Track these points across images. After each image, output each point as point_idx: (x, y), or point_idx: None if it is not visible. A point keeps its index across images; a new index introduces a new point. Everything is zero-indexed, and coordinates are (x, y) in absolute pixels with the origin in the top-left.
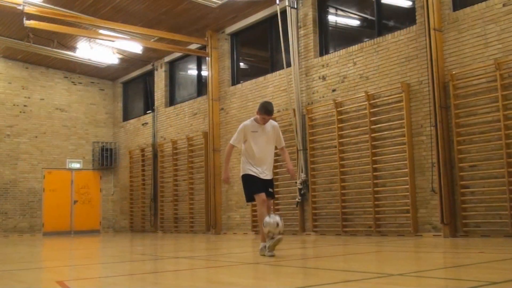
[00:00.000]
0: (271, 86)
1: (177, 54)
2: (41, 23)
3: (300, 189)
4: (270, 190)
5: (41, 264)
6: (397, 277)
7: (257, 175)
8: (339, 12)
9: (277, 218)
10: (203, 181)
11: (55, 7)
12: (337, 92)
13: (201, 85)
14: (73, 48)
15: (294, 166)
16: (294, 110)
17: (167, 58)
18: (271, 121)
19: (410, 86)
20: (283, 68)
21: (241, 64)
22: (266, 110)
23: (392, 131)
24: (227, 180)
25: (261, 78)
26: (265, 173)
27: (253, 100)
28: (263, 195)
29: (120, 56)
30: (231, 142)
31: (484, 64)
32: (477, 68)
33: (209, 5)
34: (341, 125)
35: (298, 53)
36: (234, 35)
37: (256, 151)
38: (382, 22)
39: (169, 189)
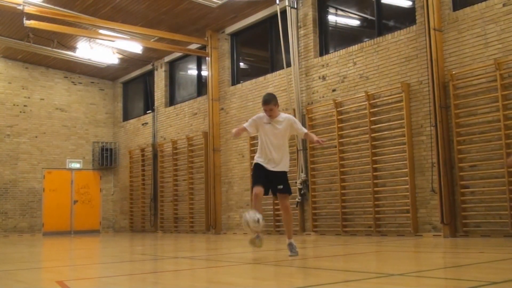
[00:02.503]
0: (271, 86)
1: (177, 54)
2: (41, 23)
3: (300, 189)
4: (280, 186)
5: (41, 264)
6: (397, 277)
7: (264, 165)
8: (339, 12)
9: (258, 216)
10: (203, 181)
11: (55, 7)
12: (337, 92)
13: (201, 85)
14: (73, 48)
15: (294, 166)
16: (294, 110)
17: (167, 58)
18: (284, 114)
19: (410, 86)
20: (283, 68)
21: (241, 64)
22: (263, 100)
23: (392, 131)
24: (237, 132)
25: (261, 78)
26: (274, 165)
27: (253, 100)
28: (259, 189)
29: (120, 56)
30: (244, 125)
31: (484, 64)
32: (477, 68)
33: (209, 5)
34: (341, 125)
35: (298, 53)
36: (234, 35)
37: (266, 142)
38: (382, 22)
39: (169, 189)
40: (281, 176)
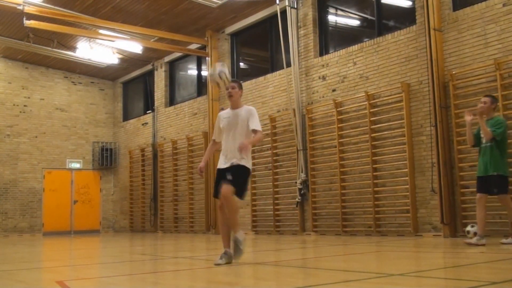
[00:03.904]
0: (271, 86)
1: (177, 54)
2: (41, 23)
3: (300, 189)
4: (229, 177)
5: (41, 264)
6: (397, 277)
7: (220, 167)
8: (339, 12)
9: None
10: (203, 181)
11: (55, 7)
12: (337, 92)
13: (201, 85)
14: (73, 48)
15: (294, 166)
16: (294, 110)
17: (167, 58)
18: (247, 106)
19: (410, 86)
20: (283, 68)
21: (241, 64)
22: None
23: (392, 131)
24: (200, 169)
25: (261, 78)
26: (227, 161)
27: (253, 100)
28: (218, 201)
29: (120, 56)
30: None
31: (484, 64)
32: (477, 68)
33: (209, 5)
34: (341, 125)
35: (298, 53)
36: (234, 35)
37: (224, 136)
38: (382, 22)
39: (169, 189)
40: (233, 168)
